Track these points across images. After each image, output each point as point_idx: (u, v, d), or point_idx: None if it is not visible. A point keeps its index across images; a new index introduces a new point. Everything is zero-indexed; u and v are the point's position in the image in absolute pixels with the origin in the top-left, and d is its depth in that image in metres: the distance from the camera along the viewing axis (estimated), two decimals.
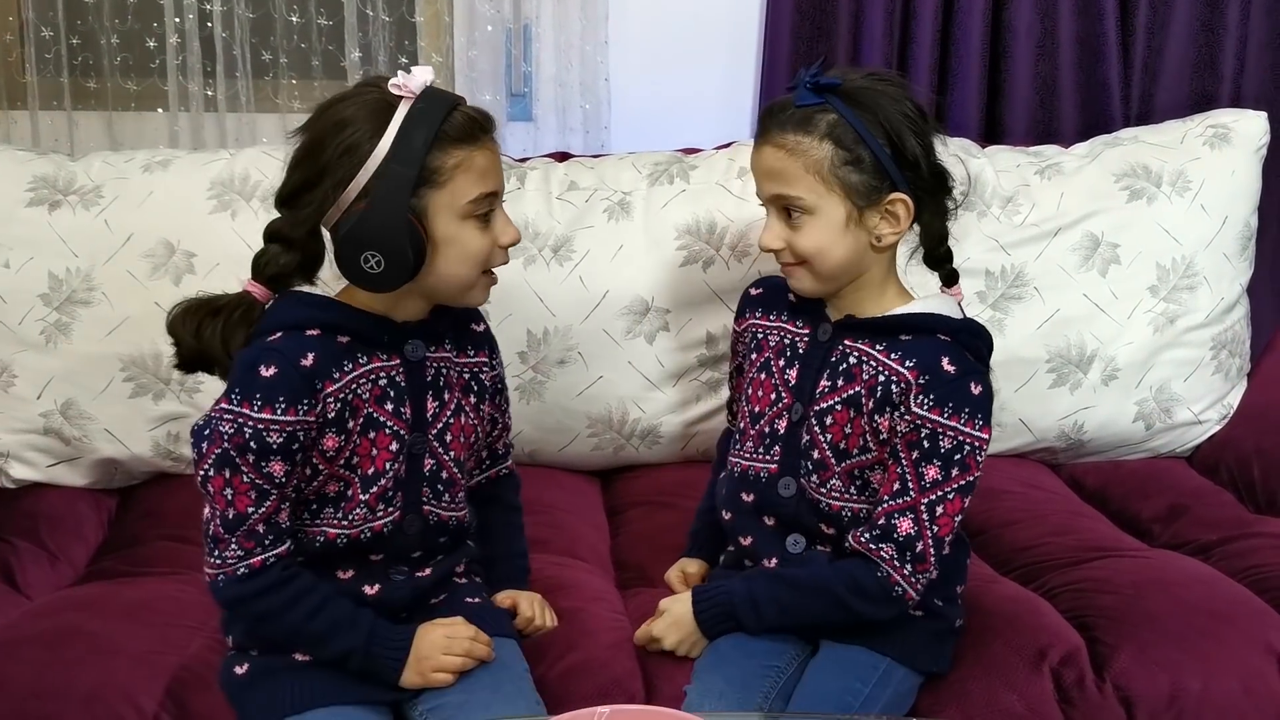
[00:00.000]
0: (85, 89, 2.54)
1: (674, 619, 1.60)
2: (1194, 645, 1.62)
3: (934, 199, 1.57)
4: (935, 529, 1.50)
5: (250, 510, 1.43)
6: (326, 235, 1.49)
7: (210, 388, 1.98)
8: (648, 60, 2.58)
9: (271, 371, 1.41)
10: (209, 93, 2.51)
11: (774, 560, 1.63)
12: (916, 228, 1.58)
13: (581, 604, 1.73)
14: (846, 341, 1.58)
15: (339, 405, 1.46)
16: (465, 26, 2.52)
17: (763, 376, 1.65)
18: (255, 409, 1.40)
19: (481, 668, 1.51)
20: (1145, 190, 2.21)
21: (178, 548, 1.90)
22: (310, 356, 1.44)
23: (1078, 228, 2.19)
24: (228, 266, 2.01)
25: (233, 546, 1.43)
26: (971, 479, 1.51)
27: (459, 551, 1.64)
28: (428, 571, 1.58)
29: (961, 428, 1.49)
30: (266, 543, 1.44)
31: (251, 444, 1.40)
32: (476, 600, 1.63)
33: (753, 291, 1.73)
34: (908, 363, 1.53)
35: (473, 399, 1.61)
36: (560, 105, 2.55)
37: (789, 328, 1.65)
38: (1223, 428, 2.27)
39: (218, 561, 1.44)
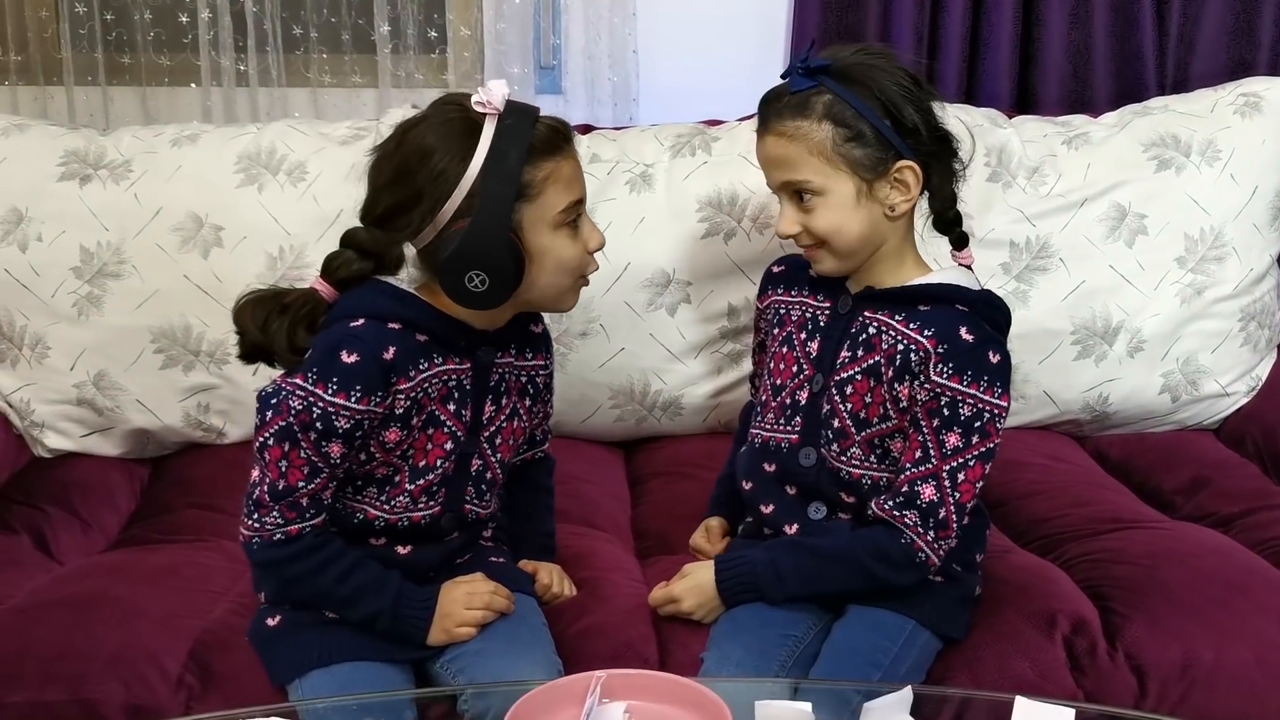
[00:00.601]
0: (120, 65, 2.59)
1: (695, 583, 1.62)
2: (1207, 616, 1.62)
3: (940, 162, 1.58)
4: (957, 495, 1.52)
5: (300, 484, 1.45)
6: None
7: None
8: (676, 32, 2.59)
9: (353, 359, 1.43)
10: (241, 68, 2.55)
11: (794, 527, 1.65)
12: (927, 194, 1.60)
13: (599, 573, 1.76)
14: (866, 312, 1.60)
15: (408, 402, 1.49)
16: None
17: (785, 350, 1.67)
18: (329, 392, 1.42)
19: (500, 620, 1.55)
20: (1174, 160, 2.19)
21: (207, 515, 1.94)
22: (391, 350, 1.46)
23: (1105, 198, 2.18)
24: (255, 239, 2.07)
25: (274, 514, 1.46)
26: (991, 446, 1.53)
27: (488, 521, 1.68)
28: (455, 536, 1.62)
29: (981, 395, 1.51)
30: (307, 515, 1.47)
31: (317, 424, 1.43)
32: (500, 560, 1.66)
33: (775, 269, 1.75)
34: (926, 331, 1.54)
35: (527, 401, 1.64)
36: (589, 78, 2.57)
37: (810, 301, 1.67)
38: (1251, 400, 2.26)
39: (255, 525, 1.47)
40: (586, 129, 2.33)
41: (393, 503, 1.53)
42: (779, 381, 1.67)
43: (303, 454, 1.44)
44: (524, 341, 1.63)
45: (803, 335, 1.66)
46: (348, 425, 1.44)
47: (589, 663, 1.54)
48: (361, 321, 1.46)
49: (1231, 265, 2.20)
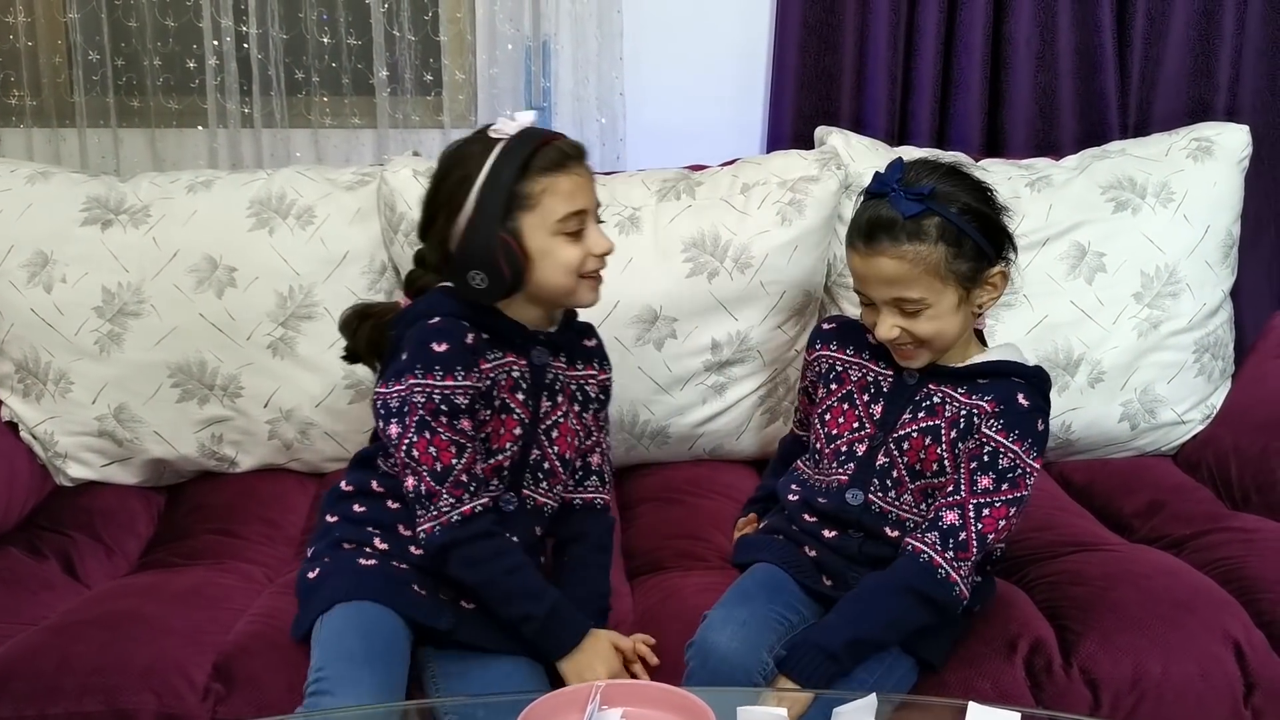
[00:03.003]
0: (130, 108, 2.68)
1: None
2: (1156, 632, 1.72)
3: (1012, 256, 1.75)
4: (979, 526, 1.64)
5: (454, 462, 1.63)
6: None
7: (251, 391, 2.16)
8: (660, 75, 2.69)
9: (444, 347, 1.64)
10: (246, 110, 2.64)
11: (833, 533, 1.76)
12: None
13: None
14: (931, 385, 1.74)
15: (489, 383, 1.68)
16: (487, 45, 2.63)
17: (844, 406, 1.80)
18: (438, 378, 1.63)
19: (508, 659, 1.66)
20: (1130, 201, 2.30)
21: (223, 540, 2.04)
22: (470, 337, 1.66)
23: (1066, 238, 2.28)
24: (266, 280, 2.16)
25: (445, 497, 1.62)
26: (1020, 495, 1.65)
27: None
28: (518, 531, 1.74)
29: (1021, 453, 1.65)
30: (472, 489, 1.64)
31: (442, 406, 1.62)
32: None
33: (825, 325, 1.90)
34: (987, 397, 1.69)
35: (577, 407, 1.80)
36: (578, 119, 2.66)
37: (871, 366, 1.80)
38: (1206, 427, 2.35)
39: (433, 513, 1.63)
40: None
41: None
42: (834, 432, 1.79)
43: (443, 435, 1.62)
44: (575, 353, 1.81)
45: (865, 397, 1.79)
46: (466, 400, 1.64)
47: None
48: (438, 319, 1.66)
49: (1186, 301, 2.29)
